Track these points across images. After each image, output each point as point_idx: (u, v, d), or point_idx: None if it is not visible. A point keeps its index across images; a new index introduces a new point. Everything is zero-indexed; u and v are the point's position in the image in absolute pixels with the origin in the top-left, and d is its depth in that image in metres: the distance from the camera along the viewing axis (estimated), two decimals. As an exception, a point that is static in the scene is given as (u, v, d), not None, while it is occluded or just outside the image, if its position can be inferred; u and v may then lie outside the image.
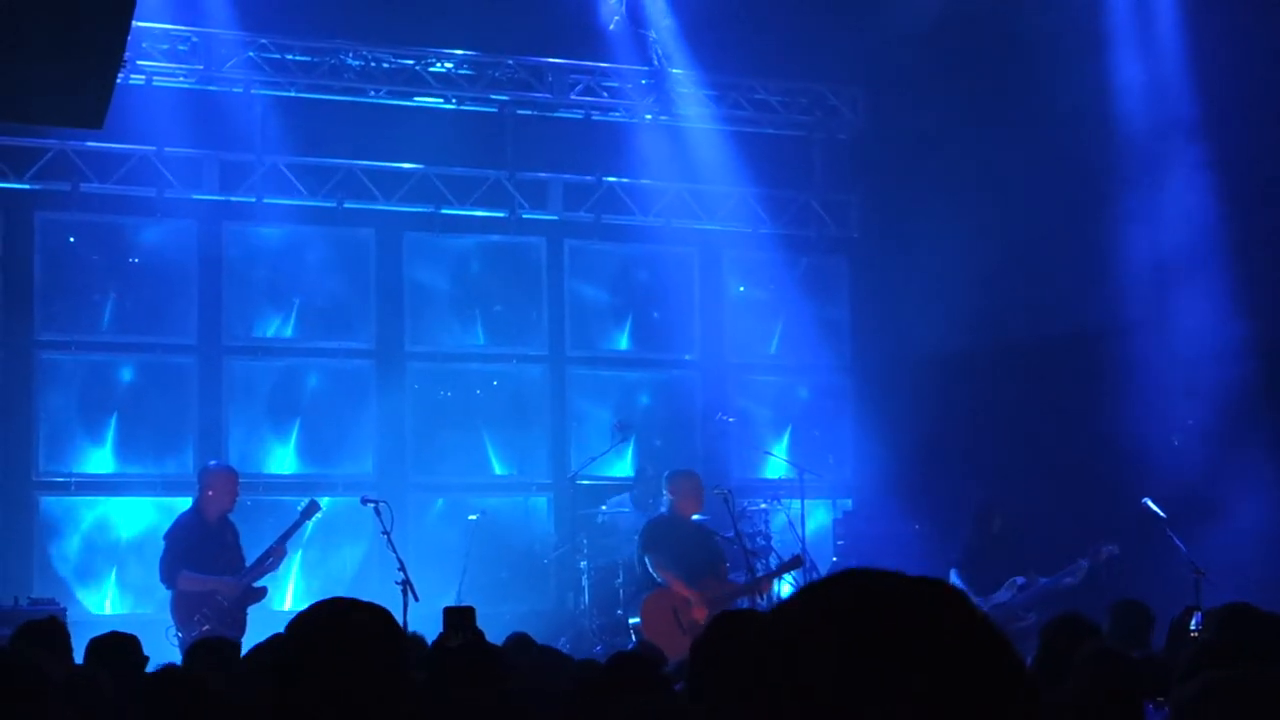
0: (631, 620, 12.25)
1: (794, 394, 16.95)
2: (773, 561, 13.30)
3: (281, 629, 3.72)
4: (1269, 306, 12.92)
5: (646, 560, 12.20)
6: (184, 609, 11.62)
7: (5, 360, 14.40)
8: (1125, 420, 13.29)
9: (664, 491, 12.63)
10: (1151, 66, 13.75)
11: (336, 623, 3.55)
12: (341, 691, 3.43)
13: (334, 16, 15.05)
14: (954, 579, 12.68)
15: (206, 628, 11.16)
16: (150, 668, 6.83)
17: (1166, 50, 13.61)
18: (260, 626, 10.42)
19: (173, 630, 11.40)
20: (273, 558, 12.08)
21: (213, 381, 14.97)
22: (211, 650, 7.01)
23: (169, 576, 11.81)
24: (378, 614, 3.62)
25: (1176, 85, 13.50)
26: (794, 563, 12.42)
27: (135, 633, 7.13)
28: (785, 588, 12.82)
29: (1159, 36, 13.69)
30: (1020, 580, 12.46)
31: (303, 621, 3.56)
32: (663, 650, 8.68)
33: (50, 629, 7.10)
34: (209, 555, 11.86)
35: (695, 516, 12.59)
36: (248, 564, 12.05)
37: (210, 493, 12.11)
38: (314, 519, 12.45)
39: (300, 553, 14.40)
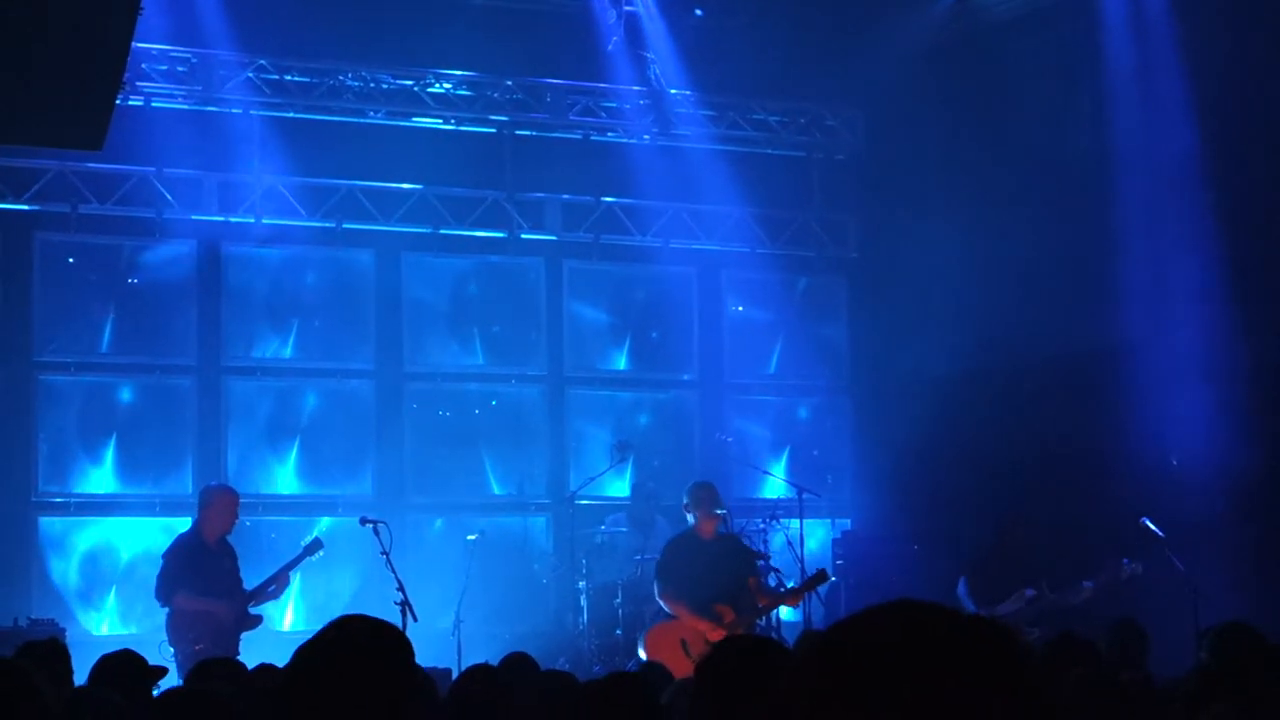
0: (639, 652, 11.62)
1: (793, 414, 16.96)
2: (771, 579, 13.18)
3: (282, 649, 3.70)
4: (1267, 327, 12.92)
5: (655, 588, 11.73)
6: (179, 627, 11.59)
7: (4, 381, 14.39)
8: (1123, 440, 13.29)
9: (685, 508, 12.03)
10: (1148, 86, 13.76)
11: (348, 642, 3.51)
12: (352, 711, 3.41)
13: (333, 38, 15.08)
14: (961, 587, 12.61)
15: (200, 646, 11.14)
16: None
17: (1164, 70, 13.63)
18: (261, 647, 10.39)
19: (167, 646, 11.36)
20: (275, 585, 12.07)
21: (212, 402, 14.98)
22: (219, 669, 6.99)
23: (165, 594, 11.78)
24: (391, 633, 3.59)
25: (1174, 106, 13.51)
26: (819, 578, 11.80)
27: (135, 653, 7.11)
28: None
29: (1156, 57, 13.71)
30: (1030, 593, 12.29)
31: (317, 640, 3.51)
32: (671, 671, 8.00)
33: (51, 650, 7.07)
34: (206, 577, 11.81)
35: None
36: (245, 588, 12.04)
37: (210, 513, 12.09)
38: (316, 556, 12.41)
39: (299, 574, 14.38)
